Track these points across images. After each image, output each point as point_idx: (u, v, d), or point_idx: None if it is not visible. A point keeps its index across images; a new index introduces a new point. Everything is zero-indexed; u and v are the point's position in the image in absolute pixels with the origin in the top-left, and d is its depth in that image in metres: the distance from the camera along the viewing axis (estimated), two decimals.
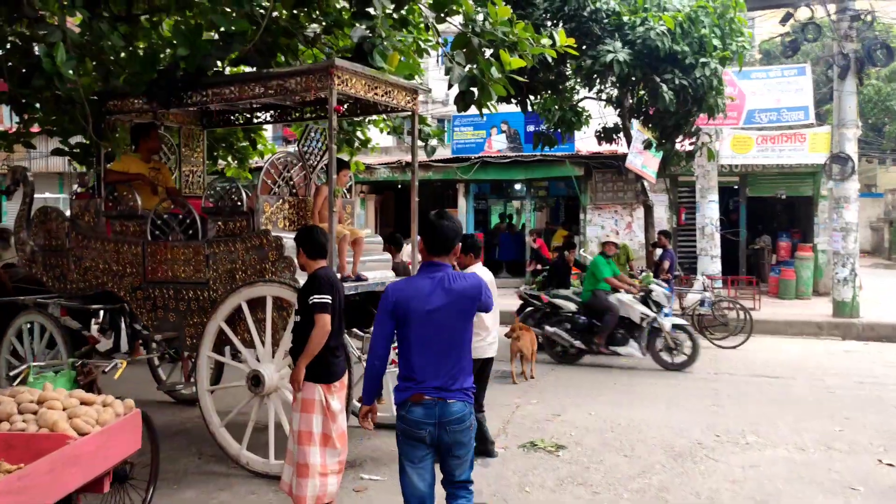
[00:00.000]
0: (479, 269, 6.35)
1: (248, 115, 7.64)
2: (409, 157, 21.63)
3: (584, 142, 19.55)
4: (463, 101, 6.98)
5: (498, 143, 20.72)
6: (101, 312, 7.60)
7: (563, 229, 21.53)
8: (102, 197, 6.72)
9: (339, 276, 5.50)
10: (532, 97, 13.19)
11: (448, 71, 6.85)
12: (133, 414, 3.75)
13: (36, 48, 6.81)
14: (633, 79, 10.84)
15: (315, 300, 4.79)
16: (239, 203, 6.09)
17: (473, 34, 6.79)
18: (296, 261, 5.82)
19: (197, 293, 6.26)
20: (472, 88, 6.89)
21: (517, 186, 23.79)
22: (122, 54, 6.93)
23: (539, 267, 20.12)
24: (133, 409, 3.80)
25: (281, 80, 5.87)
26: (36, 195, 17.74)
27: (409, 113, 6.79)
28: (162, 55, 7.18)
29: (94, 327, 11.67)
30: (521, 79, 7.07)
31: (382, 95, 6.26)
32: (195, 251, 6.24)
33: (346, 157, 9.95)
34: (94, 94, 6.72)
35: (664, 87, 10.45)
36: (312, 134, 6.66)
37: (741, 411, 7.92)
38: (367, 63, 6.19)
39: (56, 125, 7.36)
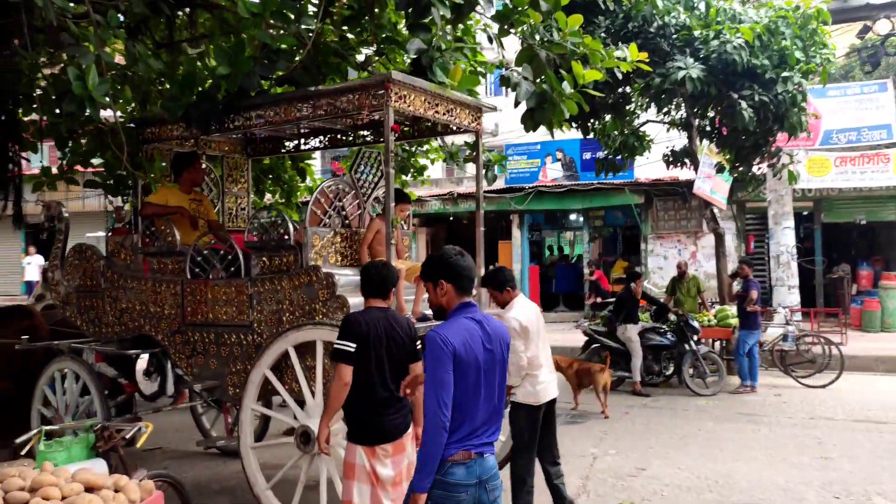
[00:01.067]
0: (522, 303, 5.50)
1: (296, 142, 7.06)
2: (461, 189, 20.91)
3: (644, 169, 18.70)
4: (531, 119, 6.27)
5: (553, 172, 19.98)
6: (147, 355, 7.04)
7: (623, 260, 20.63)
8: (139, 232, 6.18)
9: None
10: (593, 121, 12.44)
11: (514, 87, 6.18)
12: (153, 499, 3.06)
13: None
14: (707, 97, 10.00)
15: (334, 346, 4.12)
16: (285, 236, 5.46)
17: (541, 46, 6.12)
18: (349, 300, 5.17)
19: (240, 337, 5.62)
20: (541, 106, 6.20)
21: (573, 216, 22.96)
22: (162, 80, 6.42)
23: (599, 300, 19.26)
24: (153, 493, 3.10)
25: (331, 98, 5.26)
26: (87, 234, 17.46)
27: (464, 139, 6.11)
28: (205, 83, 6.66)
29: (141, 366, 11.19)
30: (596, 94, 6.34)
31: (444, 114, 5.60)
32: (238, 290, 5.61)
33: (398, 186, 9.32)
34: (131, 122, 6.23)
35: (743, 104, 9.59)
36: (365, 159, 6.02)
37: (855, 465, 6.92)
38: (426, 78, 5.56)
39: (94, 157, 6.86)
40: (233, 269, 5.71)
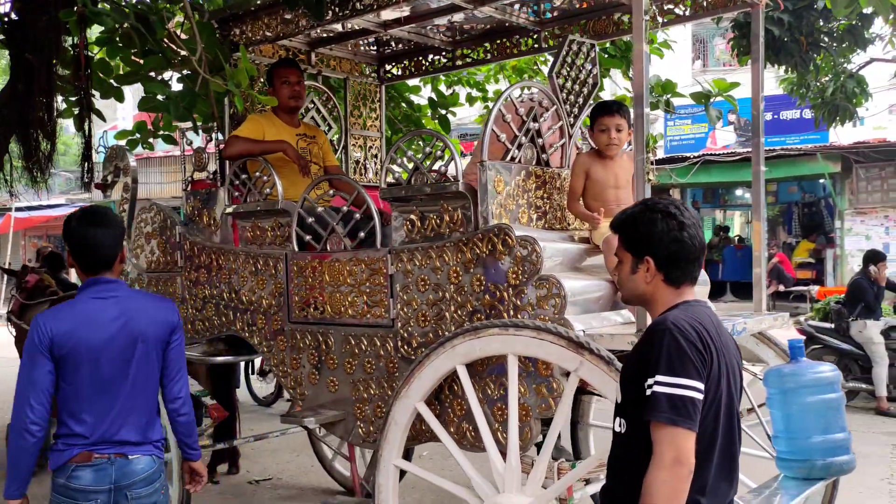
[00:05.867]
0: None
1: (450, 54, 4.85)
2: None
3: (842, 129, 15.47)
4: None
5: (725, 138, 17.00)
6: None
7: (808, 241, 17.46)
8: (226, 184, 4.18)
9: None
10: (813, 55, 9.59)
11: None
12: None
13: None
14: None
15: (659, 390, 1.84)
16: (448, 177, 3.27)
17: None
18: (564, 284, 2.91)
19: (375, 344, 3.49)
20: None
21: (738, 191, 19.87)
22: None
23: (782, 288, 16.28)
24: None
25: None
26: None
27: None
28: None
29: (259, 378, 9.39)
30: None
31: None
32: (370, 268, 3.48)
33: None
34: (213, 16, 4.23)
35: None
36: (574, 50, 3.70)
37: None
38: None
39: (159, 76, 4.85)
40: (363, 234, 3.58)
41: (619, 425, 1.98)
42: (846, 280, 14.66)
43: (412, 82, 7.21)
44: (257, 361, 8.74)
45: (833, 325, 8.97)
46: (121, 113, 20.87)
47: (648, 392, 1.82)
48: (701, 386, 1.81)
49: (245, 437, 5.43)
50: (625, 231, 2.08)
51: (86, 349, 2.57)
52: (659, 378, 1.81)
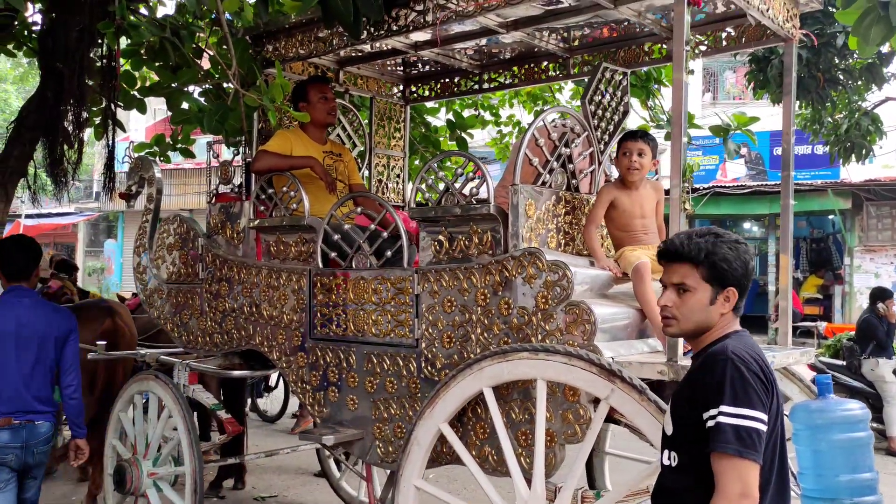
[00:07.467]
0: None
1: (477, 77, 4.86)
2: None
3: (853, 166, 15.49)
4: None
5: (735, 170, 17.04)
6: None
7: (816, 276, 17.42)
8: (251, 198, 4.18)
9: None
10: (830, 92, 9.62)
11: None
12: None
13: None
14: None
15: (724, 421, 1.82)
16: (478, 199, 3.28)
17: None
18: (595, 311, 2.90)
19: (398, 364, 3.47)
20: None
21: (746, 225, 19.88)
22: None
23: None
24: None
25: None
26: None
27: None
28: None
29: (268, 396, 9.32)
30: None
31: None
32: (396, 288, 3.47)
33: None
34: (247, 33, 4.26)
35: None
36: (606, 79, 3.72)
37: None
38: None
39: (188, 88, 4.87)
40: (389, 254, 3.58)
41: (670, 458, 1.95)
42: (854, 317, 14.62)
43: (431, 104, 7.26)
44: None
45: (845, 363, 8.90)
46: (133, 125, 20.98)
47: (712, 423, 1.80)
48: (765, 417, 1.80)
49: (256, 453, 5.39)
50: (705, 262, 2.00)
51: (6, 337, 3.47)
52: (724, 408, 1.79)
